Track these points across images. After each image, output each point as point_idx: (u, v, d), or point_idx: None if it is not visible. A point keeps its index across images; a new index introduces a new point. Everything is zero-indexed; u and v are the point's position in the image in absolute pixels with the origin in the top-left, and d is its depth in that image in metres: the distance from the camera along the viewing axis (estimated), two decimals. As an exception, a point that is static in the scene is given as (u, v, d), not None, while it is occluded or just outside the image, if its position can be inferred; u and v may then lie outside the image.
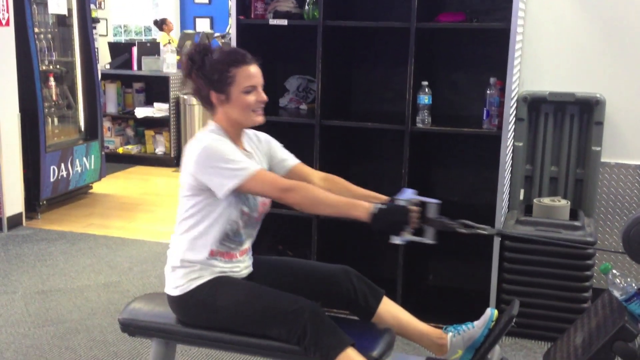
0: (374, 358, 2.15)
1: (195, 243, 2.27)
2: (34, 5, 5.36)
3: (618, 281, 1.93)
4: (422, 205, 2.23)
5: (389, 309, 2.40)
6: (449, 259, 3.84)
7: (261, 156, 2.42)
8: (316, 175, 2.48)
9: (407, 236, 2.16)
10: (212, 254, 2.27)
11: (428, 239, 2.23)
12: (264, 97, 2.29)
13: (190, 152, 2.21)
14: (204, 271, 2.26)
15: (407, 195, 2.25)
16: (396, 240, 2.17)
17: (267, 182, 2.19)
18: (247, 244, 2.38)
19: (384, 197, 2.34)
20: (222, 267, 2.28)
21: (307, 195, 2.19)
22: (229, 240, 2.30)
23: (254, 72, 2.26)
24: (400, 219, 2.14)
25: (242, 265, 2.35)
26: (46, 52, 5.66)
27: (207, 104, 2.30)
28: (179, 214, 2.33)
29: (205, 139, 2.22)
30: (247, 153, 2.34)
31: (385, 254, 3.77)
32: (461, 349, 2.35)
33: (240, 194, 2.23)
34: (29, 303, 3.70)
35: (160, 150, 7.42)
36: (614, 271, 1.94)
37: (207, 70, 2.24)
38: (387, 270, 3.58)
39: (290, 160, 2.48)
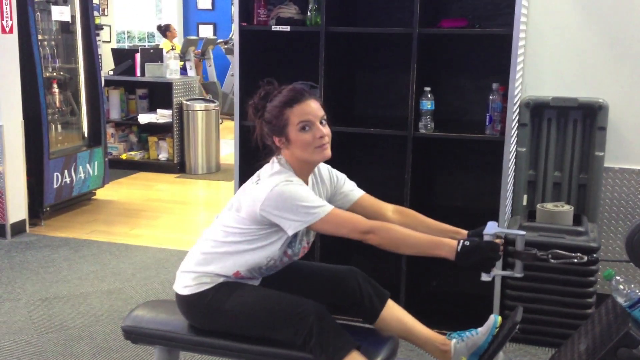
0: (378, 364, 2.15)
1: (227, 260, 2.26)
2: (38, 13, 5.37)
3: (622, 287, 1.92)
4: (506, 237, 2.18)
5: (394, 312, 2.40)
6: (453, 264, 3.82)
7: (323, 191, 2.39)
8: (389, 208, 2.43)
9: (496, 272, 2.12)
10: (236, 275, 2.27)
11: (517, 273, 2.19)
12: (323, 131, 2.23)
13: (262, 188, 2.17)
14: (216, 278, 2.27)
15: (492, 229, 2.17)
16: (485, 277, 2.12)
17: (344, 223, 2.17)
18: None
19: (463, 232, 2.31)
20: (233, 280, 2.29)
21: (389, 236, 2.16)
22: (259, 272, 2.31)
23: (307, 108, 2.22)
24: (489, 255, 2.09)
25: (251, 282, 2.34)
26: (50, 59, 5.67)
27: (275, 148, 2.28)
28: (223, 226, 2.29)
29: (278, 178, 2.18)
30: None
31: (389, 259, 3.77)
32: (465, 355, 2.34)
33: (293, 236, 2.23)
34: (32, 310, 3.70)
35: (163, 156, 7.43)
36: (618, 277, 1.93)
37: (267, 116, 2.24)
38: (391, 276, 3.57)
39: (355, 192, 2.44)
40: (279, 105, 2.22)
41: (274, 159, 2.29)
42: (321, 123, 2.24)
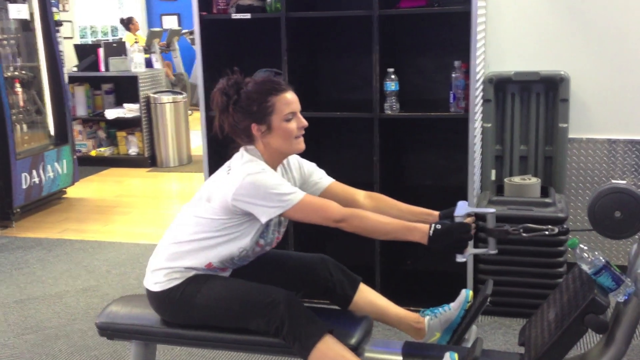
0: (352, 345, 2.17)
1: (199, 253, 2.25)
2: (-5, 12, 5.30)
3: (586, 255, 1.96)
4: (478, 216, 2.20)
5: (366, 296, 2.42)
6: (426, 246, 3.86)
7: (292, 180, 2.38)
8: (360, 194, 2.43)
9: (470, 251, 2.14)
10: (209, 267, 2.27)
11: (491, 250, 2.21)
12: (305, 122, 2.26)
13: (234, 177, 2.17)
14: (187, 273, 2.26)
15: (463, 209, 2.19)
16: (460, 258, 2.14)
17: (316, 210, 2.17)
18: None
19: (435, 212, 2.33)
20: (205, 272, 2.29)
21: (361, 224, 2.18)
22: (231, 263, 2.30)
23: (291, 98, 2.23)
24: (461, 237, 2.12)
25: (223, 273, 2.34)
26: (10, 58, 5.59)
27: (247, 137, 2.25)
28: (193, 218, 2.28)
29: (250, 167, 2.18)
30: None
31: (363, 241, 3.79)
32: (439, 331, 2.38)
33: (265, 226, 2.23)
34: (8, 312, 3.67)
35: (133, 151, 7.38)
36: (582, 245, 1.96)
37: (244, 102, 2.21)
38: (366, 257, 3.60)
39: (324, 180, 2.44)
40: (262, 92, 2.21)
41: (242, 150, 2.29)
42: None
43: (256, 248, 2.29)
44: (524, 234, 2.16)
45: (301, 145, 2.27)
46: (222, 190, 2.19)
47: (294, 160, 2.43)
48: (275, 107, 2.20)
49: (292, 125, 2.22)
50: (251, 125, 2.22)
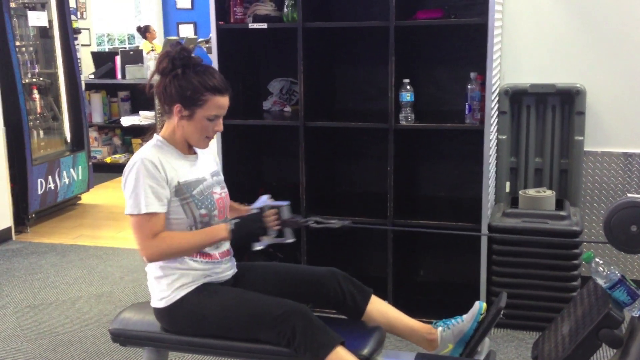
0: (365, 356, 2.16)
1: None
2: (15, 19, 5.34)
3: (601, 269, 1.95)
4: (275, 208, 2.35)
5: (378, 308, 2.41)
6: (439, 254, 3.86)
7: (209, 164, 2.45)
8: None
9: (265, 240, 2.29)
10: (193, 255, 2.28)
11: (287, 239, 2.37)
12: (221, 128, 2.34)
13: (131, 159, 2.26)
14: (185, 277, 2.27)
15: (261, 202, 2.37)
16: (257, 246, 2.30)
17: (137, 229, 2.21)
18: (226, 246, 2.39)
19: (244, 208, 2.48)
20: (203, 269, 2.29)
21: (165, 247, 2.22)
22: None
23: (224, 103, 2.29)
24: (255, 226, 2.29)
25: (223, 267, 2.36)
26: (29, 65, 5.65)
27: (167, 106, 2.30)
28: None
29: (143, 153, 2.25)
30: (195, 155, 2.38)
31: (375, 252, 3.79)
32: (451, 343, 2.37)
33: (187, 198, 2.26)
34: (21, 317, 3.69)
35: (148, 158, 7.40)
36: (597, 259, 1.95)
37: (183, 82, 2.24)
38: (378, 269, 3.59)
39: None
40: (204, 85, 2.24)
41: (156, 135, 2.35)
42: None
43: (203, 219, 2.30)
44: (313, 225, 2.41)
45: (207, 145, 2.38)
46: None
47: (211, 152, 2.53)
48: (206, 104, 2.25)
49: (211, 125, 2.29)
50: (176, 103, 2.26)
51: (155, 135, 2.36)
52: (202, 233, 2.27)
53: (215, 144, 3.42)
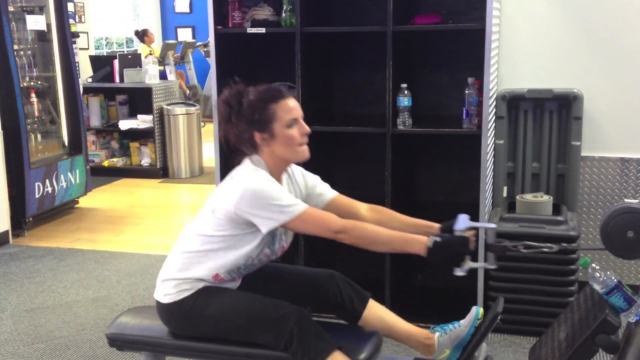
0: (362, 361, 2.16)
1: (206, 263, 2.25)
2: (13, 22, 5.35)
3: (598, 275, 1.95)
4: (477, 229, 2.19)
5: (375, 312, 2.42)
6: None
7: (296, 192, 2.39)
8: (362, 207, 2.43)
9: (468, 265, 2.11)
10: (216, 278, 2.27)
11: (490, 265, 2.21)
12: (307, 128, 2.27)
13: (237, 186, 2.18)
14: (196, 283, 2.27)
15: (463, 223, 2.18)
16: (458, 272, 2.12)
17: (317, 222, 2.17)
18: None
19: (436, 225, 2.31)
20: (213, 284, 2.29)
21: (360, 235, 2.18)
22: (237, 272, 2.31)
23: (292, 105, 2.24)
24: (459, 250, 2.11)
25: (232, 285, 2.35)
26: (27, 69, 5.65)
27: (251, 146, 2.26)
28: (199, 228, 2.30)
29: (252, 177, 2.19)
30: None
31: (373, 256, 3.78)
32: (448, 348, 2.36)
33: (271, 236, 2.24)
34: (18, 321, 3.69)
35: (145, 161, 7.41)
36: (594, 265, 1.95)
37: (246, 111, 2.22)
38: (375, 272, 3.59)
39: (328, 193, 2.44)
40: (263, 100, 2.22)
41: (246, 159, 2.29)
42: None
43: (262, 258, 2.30)
44: (523, 250, 2.15)
45: (305, 153, 2.28)
46: (226, 201, 2.21)
47: (298, 171, 2.44)
48: (276, 114, 2.21)
49: (294, 131, 2.23)
50: (254, 133, 2.23)
51: (248, 162, 2.28)
52: (398, 236, 2.18)
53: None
